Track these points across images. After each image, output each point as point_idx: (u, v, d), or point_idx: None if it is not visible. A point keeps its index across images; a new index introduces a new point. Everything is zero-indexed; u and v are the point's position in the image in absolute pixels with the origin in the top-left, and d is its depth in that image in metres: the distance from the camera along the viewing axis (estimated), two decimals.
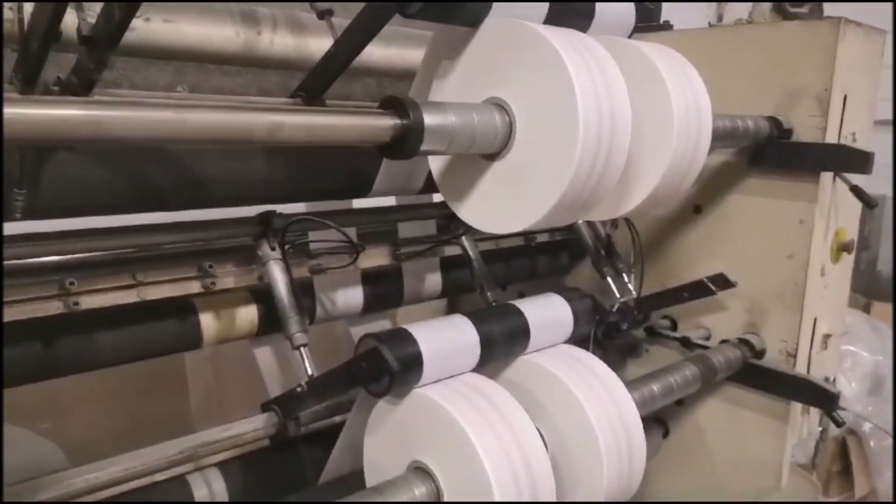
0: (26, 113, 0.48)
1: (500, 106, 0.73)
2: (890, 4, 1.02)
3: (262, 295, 0.93)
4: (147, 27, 0.84)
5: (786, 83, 1.06)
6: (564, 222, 0.78)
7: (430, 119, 0.66)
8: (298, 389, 0.83)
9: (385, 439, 0.77)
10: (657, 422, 1.19)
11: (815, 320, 1.09)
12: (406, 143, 0.66)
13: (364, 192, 0.95)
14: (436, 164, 0.83)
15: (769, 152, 1.05)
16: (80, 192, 0.73)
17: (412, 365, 0.72)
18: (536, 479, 0.73)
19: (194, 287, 0.90)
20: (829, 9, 1.11)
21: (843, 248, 1.12)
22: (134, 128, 0.53)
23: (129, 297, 0.84)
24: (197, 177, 0.81)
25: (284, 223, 0.89)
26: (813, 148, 1.03)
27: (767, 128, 1.03)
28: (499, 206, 0.76)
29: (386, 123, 0.65)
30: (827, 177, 1.05)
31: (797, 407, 1.09)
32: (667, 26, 1.15)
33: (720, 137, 0.93)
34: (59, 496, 0.76)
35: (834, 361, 1.18)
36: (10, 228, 0.74)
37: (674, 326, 1.19)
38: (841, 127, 1.06)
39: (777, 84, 1.07)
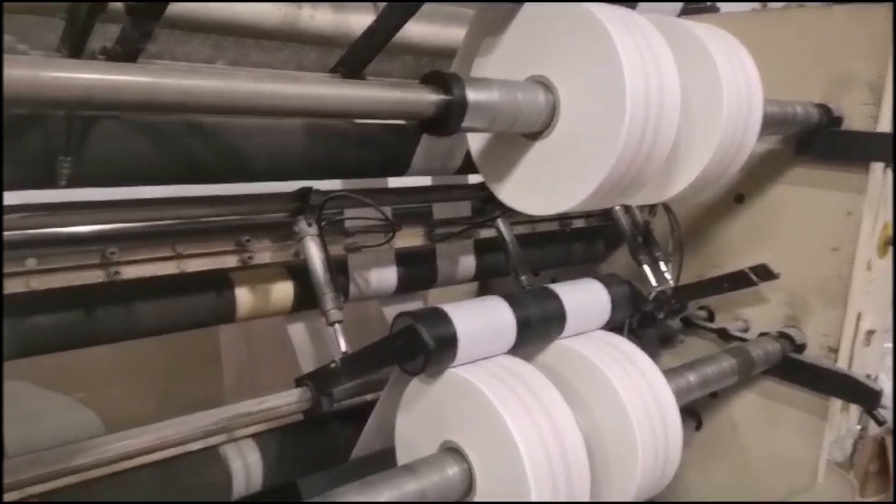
0: (74, 77, 0.49)
1: (544, 84, 0.72)
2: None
3: (298, 271, 0.93)
4: None
5: (837, 69, 1.03)
6: (606, 205, 0.77)
7: (473, 95, 0.66)
8: (332, 365, 0.83)
9: (418, 418, 0.77)
10: (690, 413, 1.18)
11: (859, 315, 1.06)
12: (448, 119, 0.65)
13: (402, 171, 0.94)
14: (475, 143, 0.82)
15: (818, 140, 1.02)
16: (123, 161, 0.74)
17: (448, 344, 0.72)
18: (571, 464, 0.72)
19: (231, 261, 0.90)
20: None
21: (890, 242, 1.09)
22: (180, 94, 0.53)
23: (168, 268, 0.85)
24: (238, 151, 0.81)
25: (322, 200, 0.88)
26: (864, 137, 1.00)
27: (817, 115, 1.00)
28: (539, 188, 0.74)
29: (429, 98, 0.64)
30: (877, 167, 1.01)
31: (836, 403, 1.06)
32: (713, 8, 1.12)
33: (768, 123, 0.90)
34: (94, 462, 0.77)
35: (876, 358, 1.15)
36: (56, 196, 0.75)
37: (711, 317, 1.17)
38: (895, 116, 1.02)
39: (827, 70, 1.04)
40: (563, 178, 0.71)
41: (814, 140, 1.02)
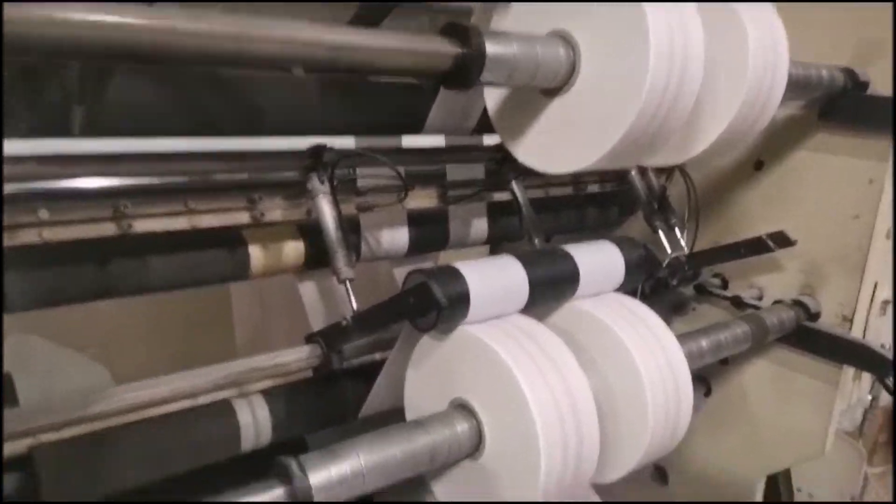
0: (93, 19, 0.48)
1: (565, 39, 0.70)
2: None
3: (310, 230, 0.93)
4: None
5: (864, 33, 1.00)
6: (625, 164, 0.76)
7: (492, 48, 0.64)
8: (343, 323, 0.83)
9: (428, 375, 0.77)
10: (700, 380, 1.17)
11: (876, 285, 1.05)
12: (466, 72, 0.64)
13: (417, 129, 0.93)
14: (491, 100, 0.81)
15: (842, 105, 0.99)
16: (137, 112, 0.73)
17: (460, 302, 0.72)
18: (582, 424, 0.72)
19: (243, 218, 0.90)
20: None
21: None
22: (199, 40, 0.52)
23: (180, 223, 0.84)
24: (251, 105, 0.81)
25: (335, 157, 0.87)
26: (889, 101, 0.97)
27: (842, 79, 0.98)
28: (557, 145, 0.73)
29: (447, 50, 0.63)
30: None
31: (849, 372, 1.05)
32: None
33: (793, 86, 0.88)
34: (105, 412, 0.78)
35: (891, 328, 1.14)
36: (69, 147, 0.74)
37: (724, 285, 1.16)
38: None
39: (855, 34, 1.01)
40: (581, 136, 0.70)
41: (838, 105, 1.00)
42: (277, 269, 0.93)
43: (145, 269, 0.82)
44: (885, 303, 1.08)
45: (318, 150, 0.88)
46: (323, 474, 0.61)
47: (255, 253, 0.90)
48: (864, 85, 0.99)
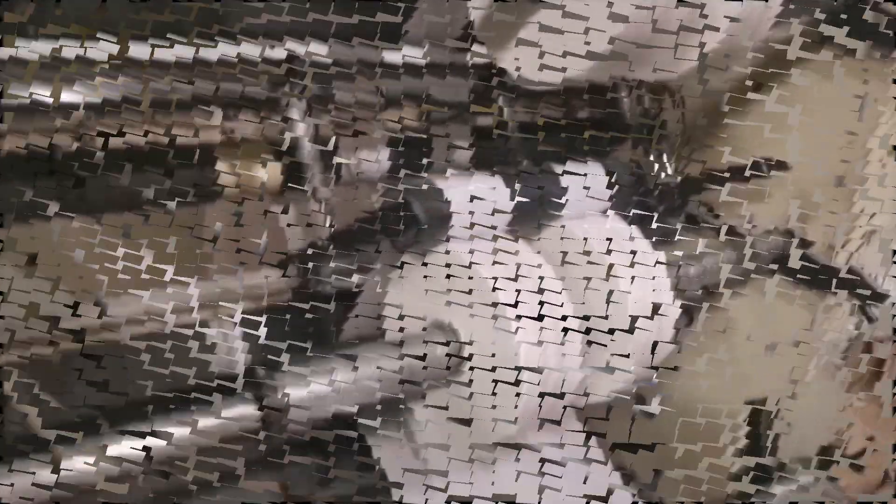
0: None
1: None
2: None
3: (285, 148, 0.89)
4: None
5: None
6: (615, 74, 0.72)
7: None
8: (320, 243, 0.80)
9: (407, 296, 0.75)
10: (684, 310, 1.16)
11: (862, 211, 1.03)
12: None
13: (395, 38, 0.88)
14: (476, 8, 0.76)
15: (844, 23, 0.95)
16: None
17: (440, 219, 0.69)
18: (564, 346, 0.71)
19: (213, 134, 0.85)
20: None
21: None
22: None
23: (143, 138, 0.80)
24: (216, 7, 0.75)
25: (311, 69, 0.83)
26: (892, 15, 0.93)
27: None
28: (545, 53, 0.69)
29: None
30: None
31: (832, 301, 1.05)
32: None
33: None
34: (75, 331, 0.75)
35: (877, 258, 1.13)
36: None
37: (713, 214, 1.14)
38: None
39: None
40: (570, 42, 0.66)
41: (840, 22, 0.95)
42: (250, 188, 0.89)
43: (107, 184, 0.78)
44: (872, 232, 1.07)
45: (290, 61, 0.84)
46: (298, 391, 0.60)
47: (228, 172, 0.86)
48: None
